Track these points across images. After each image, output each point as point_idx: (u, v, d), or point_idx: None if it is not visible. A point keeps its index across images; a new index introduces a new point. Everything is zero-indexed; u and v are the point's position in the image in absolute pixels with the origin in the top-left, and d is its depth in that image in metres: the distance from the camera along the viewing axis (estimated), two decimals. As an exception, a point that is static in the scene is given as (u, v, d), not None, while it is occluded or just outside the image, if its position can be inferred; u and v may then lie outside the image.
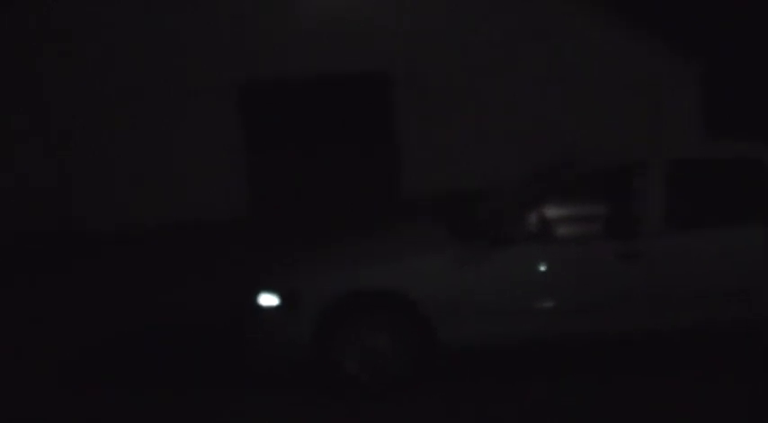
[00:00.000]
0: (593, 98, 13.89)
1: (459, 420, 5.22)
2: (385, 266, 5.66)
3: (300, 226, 11.68)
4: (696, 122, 13.93)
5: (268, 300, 5.65)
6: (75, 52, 13.13)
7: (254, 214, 13.37)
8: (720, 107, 13.72)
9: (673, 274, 5.52)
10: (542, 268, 5.55)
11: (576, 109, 13.86)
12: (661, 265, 5.52)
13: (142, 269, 10.45)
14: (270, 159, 13.70)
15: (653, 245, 5.52)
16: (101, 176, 13.30)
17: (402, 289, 5.51)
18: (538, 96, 13.89)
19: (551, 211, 6.19)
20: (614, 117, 13.75)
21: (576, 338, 5.65)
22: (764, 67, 13.78)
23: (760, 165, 5.68)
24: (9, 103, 13.03)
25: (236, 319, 6.94)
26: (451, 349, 5.58)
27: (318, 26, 13.47)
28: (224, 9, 13.36)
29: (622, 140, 12.77)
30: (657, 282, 5.52)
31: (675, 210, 5.59)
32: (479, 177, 13.23)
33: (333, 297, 5.52)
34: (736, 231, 5.59)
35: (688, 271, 5.53)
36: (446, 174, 13.68)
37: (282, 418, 5.43)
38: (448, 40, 13.73)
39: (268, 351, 5.72)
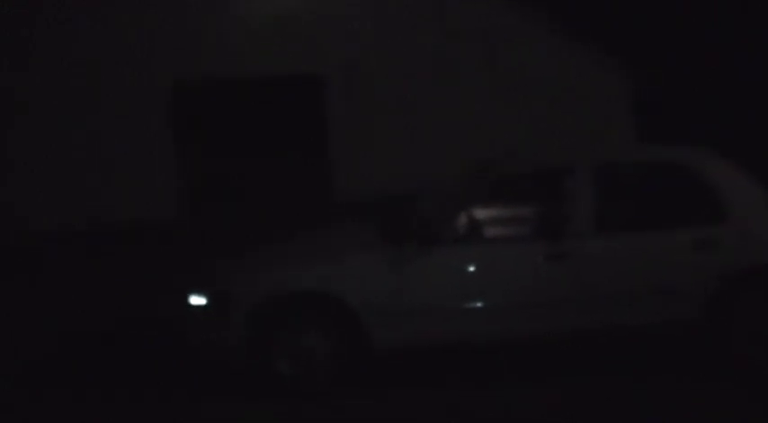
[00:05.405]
0: (531, 105, 14.03)
1: (393, 419, 5.24)
2: (316, 268, 5.63)
3: (232, 227, 11.55)
4: (632, 130, 14.18)
5: (198, 301, 5.60)
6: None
7: (185, 215, 13.19)
8: (656, 117, 14.01)
9: (598, 275, 5.61)
10: (471, 269, 5.59)
11: (514, 115, 14.00)
12: (587, 267, 5.60)
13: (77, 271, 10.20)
14: (202, 160, 13.54)
15: (580, 246, 5.61)
16: (30, 176, 12.97)
17: (333, 291, 5.50)
18: (475, 102, 14.00)
19: (481, 213, 6.25)
20: (552, 124, 13.92)
21: (506, 339, 5.69)
22: (701, 79, 14.15)
23: (685, 169, 5.81)
24: None
25: (170, 321, 6.84)
26: (382, 350, 5.58)
27: (254, 27, 13.34)
28: (157, 7, 13.17)
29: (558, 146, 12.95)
30: (583, 282, 5.59)
31: (603, 212, 5.68)
32: (414, 180, 13.26)
33: (262, 299, 5.48)
34: (661, 234, 5.70)
35: (614, 272, 5.62)
36: (381, 176, 13.68)
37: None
38: (386, 45, 13.75)
39: (202, 352, 5.68)
